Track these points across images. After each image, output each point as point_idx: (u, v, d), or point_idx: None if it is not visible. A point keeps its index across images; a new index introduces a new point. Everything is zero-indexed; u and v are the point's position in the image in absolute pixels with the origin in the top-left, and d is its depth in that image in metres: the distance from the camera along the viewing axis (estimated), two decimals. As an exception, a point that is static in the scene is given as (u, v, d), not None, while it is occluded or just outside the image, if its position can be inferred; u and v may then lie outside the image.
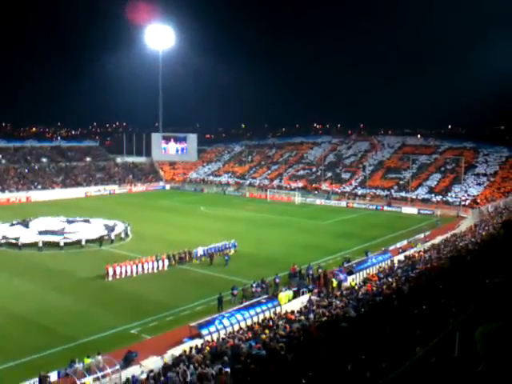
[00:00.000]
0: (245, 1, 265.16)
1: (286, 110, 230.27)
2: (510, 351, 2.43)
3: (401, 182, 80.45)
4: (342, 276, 33.50)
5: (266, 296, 30.33)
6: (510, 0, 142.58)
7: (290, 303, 29.18)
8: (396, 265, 35.48)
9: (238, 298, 31.10)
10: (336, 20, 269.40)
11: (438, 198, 72.97)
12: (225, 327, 25.39)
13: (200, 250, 41.38)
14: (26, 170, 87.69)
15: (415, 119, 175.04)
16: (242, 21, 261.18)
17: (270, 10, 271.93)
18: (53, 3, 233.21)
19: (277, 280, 33.70)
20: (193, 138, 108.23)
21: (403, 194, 76.70)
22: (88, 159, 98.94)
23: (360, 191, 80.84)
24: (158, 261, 38.29)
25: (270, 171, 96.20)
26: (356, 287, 30.14)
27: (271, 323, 24.28)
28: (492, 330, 2.52)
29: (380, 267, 36.37)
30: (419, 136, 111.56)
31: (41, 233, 46.98)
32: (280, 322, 23.95)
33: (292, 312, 26.10)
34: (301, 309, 26.94)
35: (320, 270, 35.07)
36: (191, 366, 19.56)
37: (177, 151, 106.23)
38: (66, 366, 21.54)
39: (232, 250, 43.01)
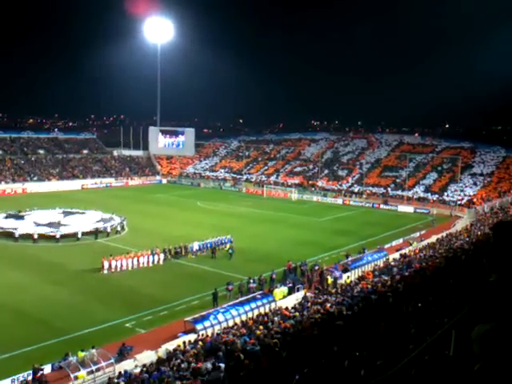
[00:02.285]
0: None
1: (284, 105, 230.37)
2: (506, 352, 2.43)
3: (397, 181, 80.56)
4: (337, 273, 33.57)
5: (261, 292, 30.38)
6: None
7: (285, 299, 29.25)
8: (391, 263, 35.56)
9: (233, 294, 31.13)
10: (336, 17, 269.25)
11: (435, 197, 73.09)
12: (219, 322, 25.42)
13: (196, 245, 41.38)
14: (23, 162, 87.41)
15: (413, 118, 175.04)
16: (242, 15, 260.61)
17: (271, 5, 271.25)
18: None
19: (273, 276, 33.74)
20: (190, 132, 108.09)
21: (400, 192, 76.80)
22: (85, 151, 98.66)
23: (357, 189, 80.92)
24: (153, 255, 38.26)
25: (266, 167, 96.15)
26: (351, 285, 30.21)
27: (266, 319, 24.33)
28: (488, 331, 2.52)
29: (375, 265, 36.45)
30: (417, 135, 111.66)
31: (36, 225, 46.90)
32: (275, 318, 23.99)
33: (286, 308, 26.15)
34: (295, 305, 26.99)
35: (317, 267, 35.15)
36: (185, 361, 19.59)
37: (175, 145, 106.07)
38: (60, 359, 21.56)
39: (228, 246, 43.00)
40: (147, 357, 21.60)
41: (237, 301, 28.65)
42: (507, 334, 2.44)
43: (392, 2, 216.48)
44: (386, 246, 43.92)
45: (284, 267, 35.48)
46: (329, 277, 32.90)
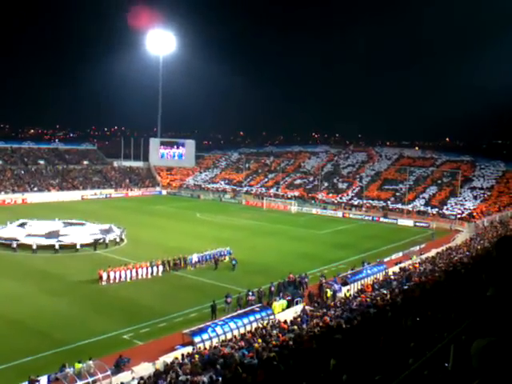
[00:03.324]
0: (248, 9, 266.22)
1: (284, 118, 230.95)
2: (504, 367, 2.41)
3: (397, 194, 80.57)
4: (336, 286, 33.43)
5: (259, 305, 30.23)
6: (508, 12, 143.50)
7: (284, 312, 29.08)
8: (391, 276, 35.43)
9: (232, 306, 30.97)
10: (337, 30, 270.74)
11: (434, 210, 73.03)
12: (218, 335, 25.27)
13: (195, 257, 41.27)
14: (23, 172, 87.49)
15: (413, 131, 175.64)
16: (244, 29, 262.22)
17: (271, 18, 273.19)
18: (54, 6, 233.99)
19: (272, 288, 33.61)
20: (191, 144, 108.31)
21: (399, 205, 76.77)
22: (85, 162, 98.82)
23: (356, 202, 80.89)
24: (152, 266, 38.14)
25: (266, 179, 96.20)
26: (350, 298, 30.07)
27: (264, 332, 24.18)
28: (486, 346, 2.49)
29: (375, 278, 36.32)
30: (417, 148, 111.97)
31: (36, 235, 46.79)
32: (274, 332, 23.84)
33: (285, 321, 26.00)
34: (294, 318, 26.84)
35: (321, 279, 35.11)
36: (181, 374, 19.43)
37: (175, 156, 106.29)
38: (57, 371, 21.40)
39: (227, 258, 42.93)
40: (144, 369, 21.45)
41: (235, 313, 28.50)
42: (505, 349, 2.42)
43: (392, 13, 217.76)
44: (386, 260, 43.80)
45: (280, 280, 35.09)
46: (328, 290, 32.77)
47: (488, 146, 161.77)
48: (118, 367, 21.96)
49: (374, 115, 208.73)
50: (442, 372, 4.95)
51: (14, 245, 44.28)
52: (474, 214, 68.89)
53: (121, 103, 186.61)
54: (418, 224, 68.23)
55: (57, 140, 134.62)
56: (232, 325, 26.32)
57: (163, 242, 49.47)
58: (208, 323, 26.56)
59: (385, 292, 29.11)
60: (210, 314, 29.37)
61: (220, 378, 17.89)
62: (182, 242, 49.02)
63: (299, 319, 26.10)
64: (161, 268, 38.47)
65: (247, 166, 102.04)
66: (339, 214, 75.83)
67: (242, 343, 22.61)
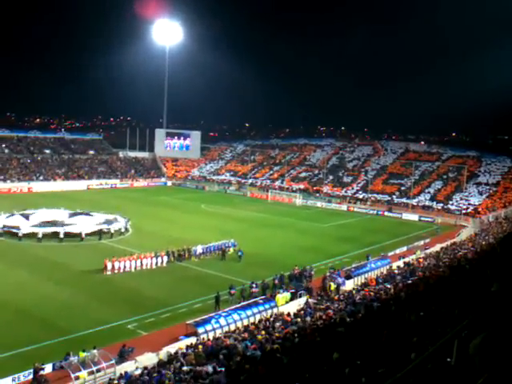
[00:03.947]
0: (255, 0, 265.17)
1: (290, 111, 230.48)
2: (501, 358, 2.43)
3: (402, 188, 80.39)
4: (340, 280, 33.48)
5: (263, 297, 30.32)
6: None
7: (287, 305, 29.17)
8: (395, 271, 35.44)
9: (235, 298, 31.09)
10: (344, 26, 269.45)
11: (440, 205, 72.86)
12: (221, 326, 25.37)
13: (199, 248, 41.38)
14: (29, 161, 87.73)
15: (419, 126, 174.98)
16: (251, 20, 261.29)
17: (280, 10, 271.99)
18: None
19: (276, 281, 33.71)
20: (196, 135, 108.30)
21: (404, 200, 76.61)
22: (91, 152, 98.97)
23: (361, 195, 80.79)
24: (156, 257, 38.27)
25: (272, 172, 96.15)
26: (354, 291, 30.12)
27: (268, 324, 24.27)
28: (481, 342, 2.52)
29: (380, 272, 36.35)
30: (423, 143, 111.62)
31: (41, 224, 47.00)
32: (277, 324, 23.93)
33: (288, 314, 26.08)
34: (297, 311, 26.92)
35: (330, 271, 35.17)
36: (185, 364, 19.54)
37: (180, 147, 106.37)
38: (61, 359, 21.57)
39: (231, 249, 43.02)
40: (148, 359, 21.58)
41: (239, 305, 28.60)
42: (499, 341, 2.44)
43: (400, 11, 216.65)
44: (390, 254, 43.79)
45: (282, 272, 35.12)
46: (331, 283, 32.82)
47: (494, 141, 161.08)
48: (122, 357, 22.11)
49: (379, 109, 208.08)
50: (444, 367, 4.98)
51: (20, 233, 44.50)
52: (480, 209, 68.69)
53: (127, 93, 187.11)
54: (422, 219, 68.12)
55: (63, 129, 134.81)
56: (235, 316, 26.42)
57: (168, 233, 49.61)
58: (212, 314, 26.67)
59: (388, 286, 29.15)
60: (214, 305, 29.52)
61: (223, 369, 17.98)
62: (186, 233, 49.16)
63: (302, 312, 26.19)
64: (165, 259, 38.62)
65: (252, 158, 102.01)
66: (344, 207, 75.79)
67: (246, 335, 22.70)
